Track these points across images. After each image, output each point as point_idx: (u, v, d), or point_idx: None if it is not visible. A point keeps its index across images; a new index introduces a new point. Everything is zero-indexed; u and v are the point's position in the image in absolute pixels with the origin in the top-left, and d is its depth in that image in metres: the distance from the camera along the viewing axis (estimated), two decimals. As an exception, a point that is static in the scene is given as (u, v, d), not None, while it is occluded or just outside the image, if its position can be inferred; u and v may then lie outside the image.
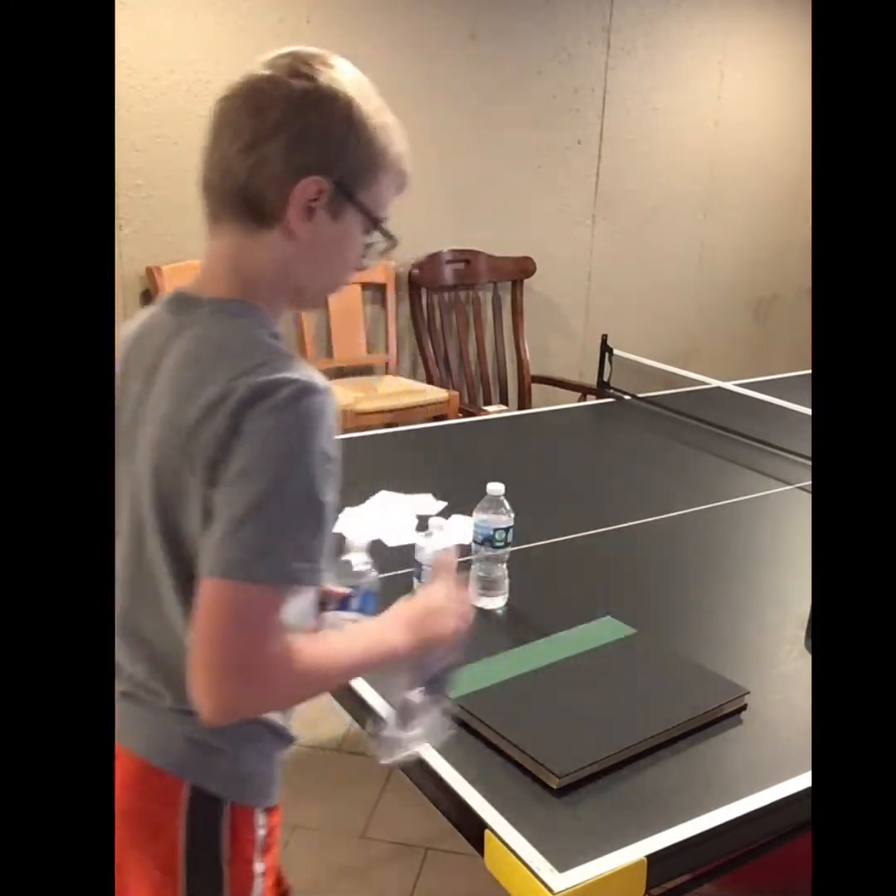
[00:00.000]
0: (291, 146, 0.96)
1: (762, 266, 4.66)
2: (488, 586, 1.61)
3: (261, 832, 1.07)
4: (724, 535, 2.05)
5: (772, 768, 1.24)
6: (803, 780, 1.21)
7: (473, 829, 1.13)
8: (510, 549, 1.64)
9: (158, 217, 3.16)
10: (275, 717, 1.07)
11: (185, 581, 0.97)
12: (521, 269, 3.97)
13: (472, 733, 1.28)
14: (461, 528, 1.78)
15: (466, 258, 3.86)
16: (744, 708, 1.36)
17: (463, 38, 3.63)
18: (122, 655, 1.06)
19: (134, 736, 1.04)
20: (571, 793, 1.18)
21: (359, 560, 1.31)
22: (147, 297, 3.18)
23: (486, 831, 1.11)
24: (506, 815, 1.13)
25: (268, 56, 1.00)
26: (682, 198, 4.34)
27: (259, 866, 1.07)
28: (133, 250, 3.14)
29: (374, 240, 1.05)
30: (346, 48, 3.50)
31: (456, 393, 3.58)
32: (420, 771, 1.23)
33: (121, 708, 1.05)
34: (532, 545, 1.86)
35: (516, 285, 3.99)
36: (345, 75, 1.00)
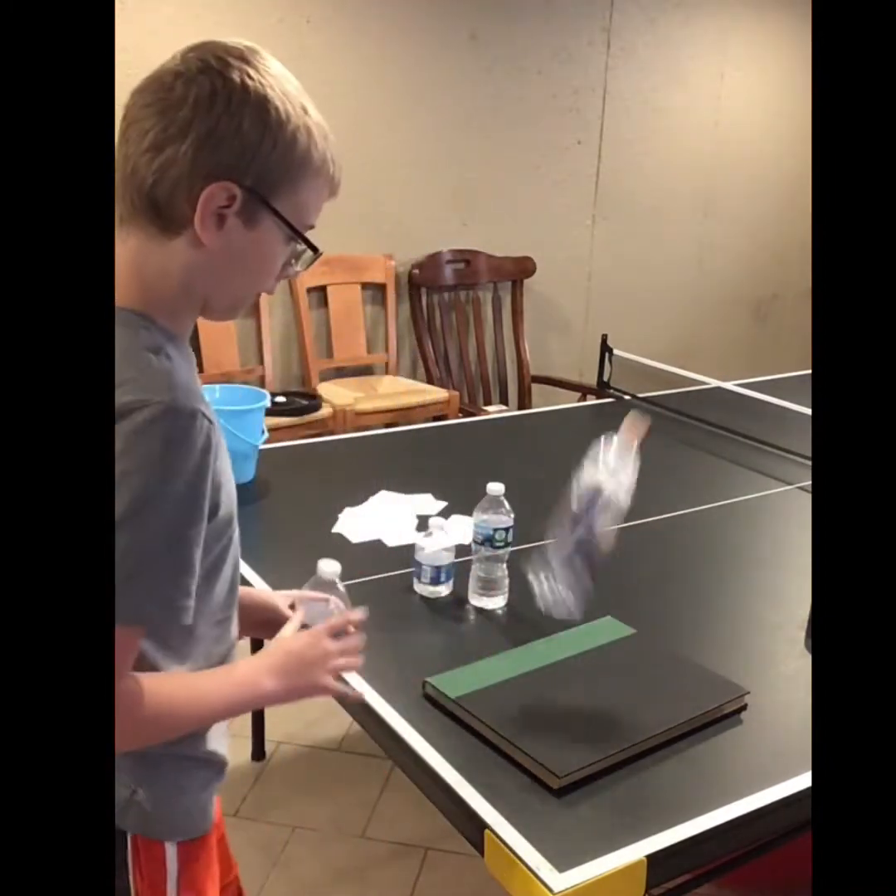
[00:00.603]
0: (200, 148, 0.88)
1: (762, 266, 4.66)
2: (488, 586, 1.61)
3: (172, 866, 1.02)
4: (724, 535, 2.04)
5: (772, 768, 1.24)
6: (803, 780, 1.21)
7: (473, 829, 1.13)
8: (510, 549, 1.64)
9: (158, 217, 3.16)
10: (195, 746, 1.03)
11: None
12: (521, 269, 3.97)
13: (472, 733, 1.28)
14: (461, 528, 1.78)
15: (466, 258, 3.86)
16: (744, 708, 1.36)
17: (463, 39, 3.63)
18: None
19: None
20: (571, 793, 1.18)
21: (329, 569, 1.30)
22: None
23: (486, 831, 1.11)
24: (506, 815, 1.13)
25: (182, 49, 0.92)
26: (682, 198, 4.34)
27: None
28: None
29: (296, 250, 0.99)
30: (347, 48, 3.53)
31: (456, 393, 3.58)
32: (420, 771, 1.23)
33: None
34: (532, 545, 1.86)
35: (516, 285, 3.99)
36: (263, 72, 0.91)
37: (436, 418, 3.39)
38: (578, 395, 3.78)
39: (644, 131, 4.13)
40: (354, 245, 3.52)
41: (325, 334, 3.65)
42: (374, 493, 2.06)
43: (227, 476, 0.99)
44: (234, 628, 1.09)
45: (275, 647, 1.09)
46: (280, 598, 1.24)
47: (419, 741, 1.26)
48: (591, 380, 3.25)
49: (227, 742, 1.10)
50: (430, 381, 3.75)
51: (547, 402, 3.83)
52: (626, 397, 3.02)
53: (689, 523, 2.07)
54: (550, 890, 1.02)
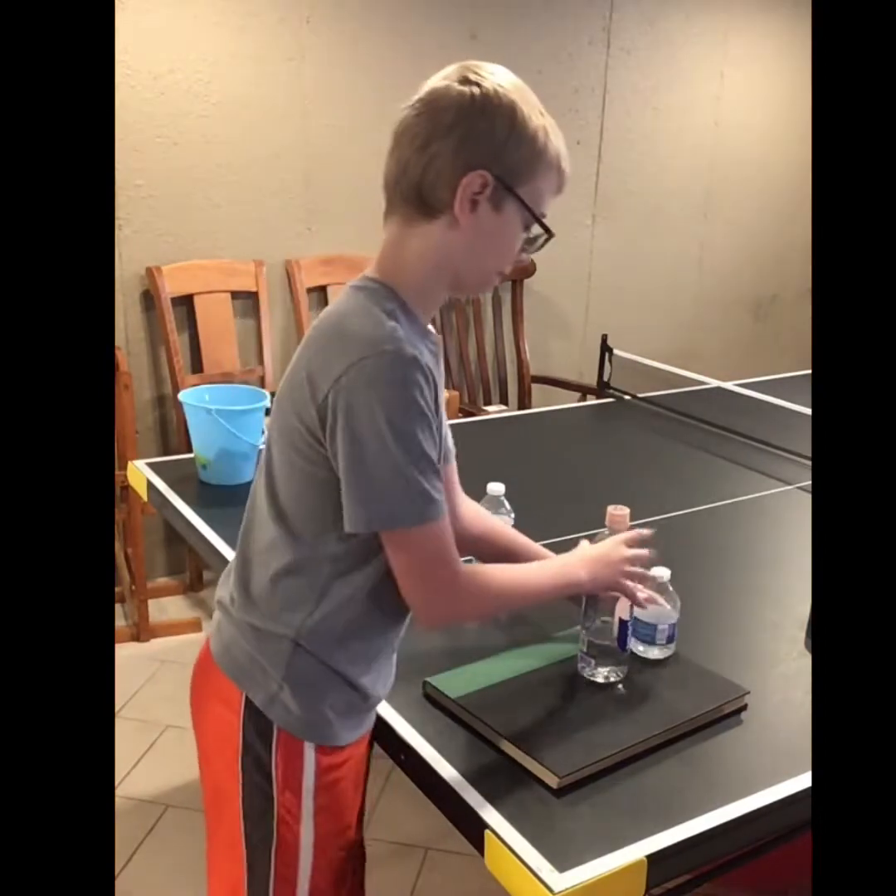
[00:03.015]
0: (460, 145, 1.08)
1: (762, 266, 4.65)
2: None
3: (309, 767, 1.16)
4: (724, 535, 2.04)
5: (772, 768, 1.24)
6: (803, 780, 1.21)
7: (473, 829, 1.13)
8: (510, 549, 1.63)
9: (158, 217, 3.16)
10: (348, 664, 1.18)
11: (276, 514, 1.15)
12: (521, 269, 3.96)
13: (473, 733, 1.28)
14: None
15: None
16: (744, 708, 1.36)
17: (463, 38, 3.63)
18: (231, 569, 1.23)
19: (216, 642, 1.22)
20: (571, 793, 1.18)
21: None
22: (147, 297, 3.19)
23: (486, 831, 1.11)
24: (506, 815, 1.13)
25: (445, 70, 1.13)
26: (682, 198, 4.34)
27: (309, 802, 1.17)
28: (133, 250, 3.14)
29: (532, 234, 1.16)
30: (346, 48, 3.54)
31: (456, 393, 3.58)
32: (420, 771, 1.23)
33: (216, 615, 1.24)
34: (532, 545, 1.86)
35: (516, 285, 3.99)
36: (507, 81, 1.11)
37: (436, 418, 3.39)
38: (578, 395, 3.78)
39: (644, 131, 4.13)
40: (354, 245, 3.52)
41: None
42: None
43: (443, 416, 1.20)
44: None
45: (580, 549, 1.34)
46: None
47: (419, 741, 1.26)
48: (591, 380, 3.25)
49: (386, 686, 1.26)
50: (430, 381, 3.75)
51: (547, 402, 3.83)
52: (626, 397, 3.02)
53: (689, 523, 2.07)
54: (550, 890, 1.02)
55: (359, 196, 3.38)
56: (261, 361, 3.52)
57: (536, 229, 1.17)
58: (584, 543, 1.35)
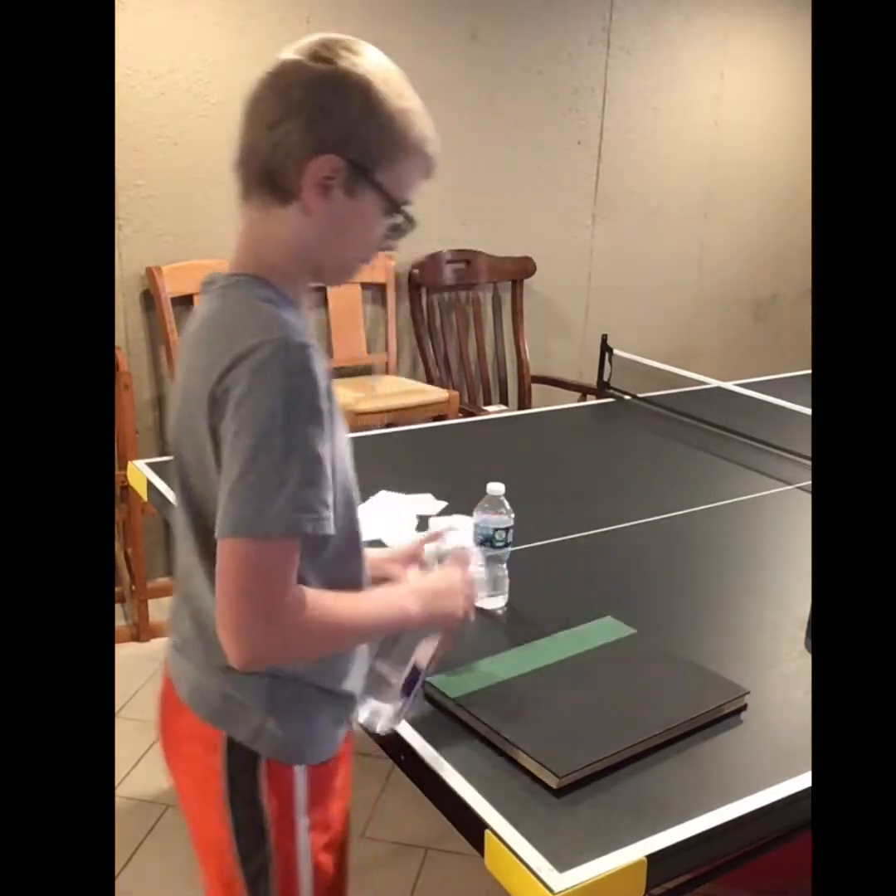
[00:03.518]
0: (310, 125, 1.01)
1: (762, 266, 4.65)
2: (488, 586, 1.61)
3: (300, 790, 1.12)
4: (724, 535, 2.04)
5: (772, 768, 1.24)
6: (803, 780, 1.21)
7: (473, 829, 1.13)
8: (510, 549, 1.63)
9: (158, 217, 3.16)
10: (328, 677, 1.12)
11: (203, 542, 1.05)
12: (521, 269, 3.96)
13: (472, 733, 1.28)
14: (461, 528, 1.77)
15: (466, 258, 3.86)
16: (744, 708, 1.36)
17: (463, 38, 3.63)
18: (178, 611, 1.15)
19: (181, 685, 1.14)
20: (571, 793, 1.18)
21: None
22: (147, 297, 3.18)
23: (486, 831, 1.11)
24: (506, 815, 1.13)
25: (297, 43, 1.06)
26: (682, 198, 4.34)
27: (303, 820, 1.13)
28: (133, 250, 3.14)
29: (395, 222, 1.08)
30: (346, 48, 3.38)
31: (456, 393, 3.57)
32: (420, 771, 1.23)
33: (174, 658, 1.17)
34: (532, 545, 1.86)
35: (516, 285, 3.99)
36: (366, 60, 1.04)
37: (436, 418, 3.39)
38: (578, 395, 3.78)
39: (644, 131, 4.13)
40: (354, 245, 3.52)
41: (324, 334, 3.64)
42: (374, 493, 2.06)
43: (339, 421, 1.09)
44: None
45: (413, 578, 1.23)
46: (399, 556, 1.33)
47: (419, 741, 1.26)
48: (591, 380, 3.24)
49: (360, 681, 1.18)
50: (429, 381, 3.75)
51: (547, 402, 3.82)
52: (626, 397, 3.02)
53: (689, 523, 2.07)
54: (550, 890, 1.02)
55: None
56: (261, 361, 3.51)
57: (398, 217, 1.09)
58: (415, 572, 1.25)
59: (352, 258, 1.11)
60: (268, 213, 1.05)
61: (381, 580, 1.25)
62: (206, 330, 1.05)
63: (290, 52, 1.05)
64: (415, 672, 1.19)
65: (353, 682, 1.17)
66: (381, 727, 1.20)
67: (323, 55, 1.03)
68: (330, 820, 1.17)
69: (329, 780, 1.16)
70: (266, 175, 1.03)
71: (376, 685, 1.20)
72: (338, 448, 1.06)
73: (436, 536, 1.33)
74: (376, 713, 1.20)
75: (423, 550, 1.32)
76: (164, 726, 1.21)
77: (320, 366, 1.00)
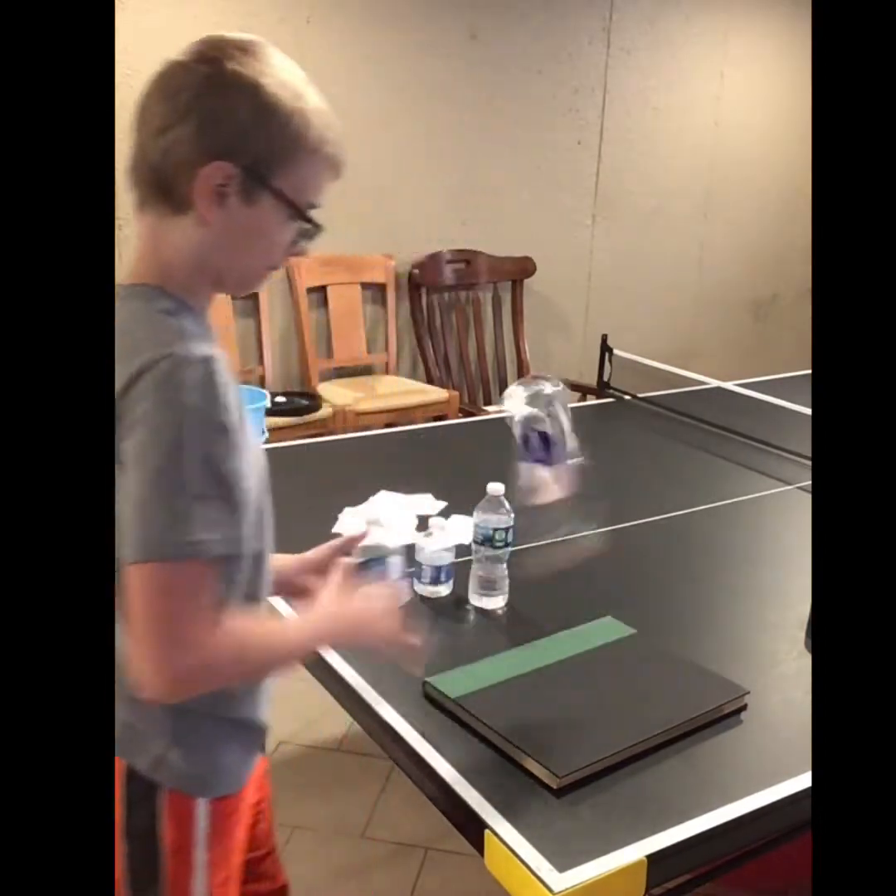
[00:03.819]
0: (199, 131, 0.95)
1: (762, 266, 4.66)
2: (488, 586, 1.61)
3: (201, 823, 1.06)
4: (724, 535, 2.04)
5: (772, 768, 1.24)
6: (803, 780, 1.21)
7: (473, 829, 1.13)
8: (510, 549, 1.63)
9: (158, 217, 3.16)
10: (233, 704, 1.07)
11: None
12: (521, 269, 3.97)
13: (472, 733, 1.28)
14: (461, 528, 1.78)
15: (466, 258, 3.86)
16: (744, 708, 1.36)
17: (463, 38, 3.63)
18: None
19: None
20: (571, 793, 1.18)
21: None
22: (147, 297, 3.18)
23: (486, 831, 1.11)
24: (506, 815, 1.13)
25: (187, 44, 1.02)
26: (682, 198, 4.34)
27: (201, 856, 1.07)
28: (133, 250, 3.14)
29: (301, 227, 1.03)
30: (347, 48, 3.53)
31: (456, 393, 3.58)
32: (420, 771, 1.23)
33: None
34: (532, 545, 1.86)
35: (516, 285, 3.99)
36: (260, 61, 0.98)
37: (436, 418, 3.39)
38: (578, 395, 3.78)
39: (644, 131, 4.13)
40: (354, 245, 3.52)
41: (325, 334, 3.65)
42: (374, 493, 2.06)
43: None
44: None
45: (330, 599, 1.12)
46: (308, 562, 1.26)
47: (419, 741, 1.26)
48: (591, 380, 3.25)
49: (268, 709, 1.13)
50: (429, 381, 3.75)
51: (547, 402, 3.82)
52: (626, 397, 3.02)
53: (689, 523, 2.07)
54: (550, 890, 1.02)
55: (358, 196, 3.37)
56: (261, 361, 3.52)
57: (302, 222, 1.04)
58: (332, 591, 1.14)
59: (256, 266, 1.05)
60: (163, 220, 1.00)
61: (293, 590, 1.22)
62: None
63: (179, 54, 1.00)
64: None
65: (260, 707, 1.12)
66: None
67: (211, 56, 0.98)
68: (229, 854, 1.12)
69: (231, 814, 1.11)
70: (158, 183, 0.98)
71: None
72: (247, 460, 0.99)
73: (350, 543, 1.27)
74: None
75: (334, 559, 1.24)
76: None
77: (224, 377, 0.94)
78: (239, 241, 1.01)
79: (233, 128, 0.96)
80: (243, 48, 0.99)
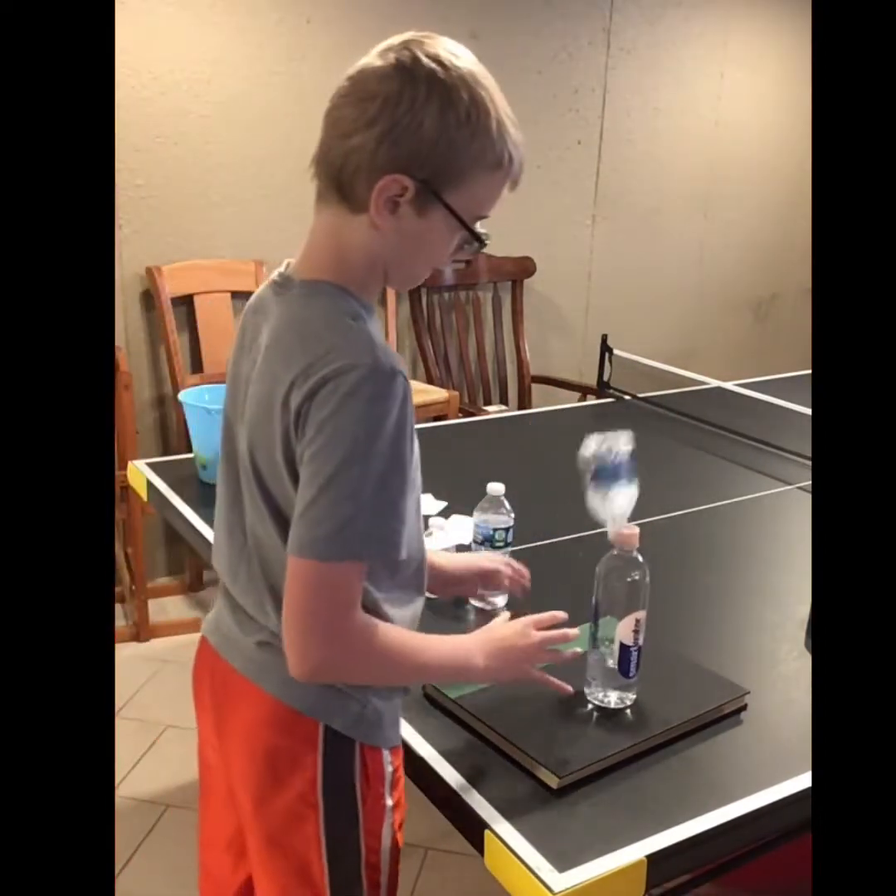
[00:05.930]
0: (381, 141, 0.98)
1: (762, 266, 4.65)
2: (488, 586, 1.61)
3: (389, 769, 1.14)
4: (723, 535, 2.04)
5: (772, 768, 1.24)
6: (803, 780, 1.21)
7: (473, 829, 1.13)
8: (510, 549, 1.63)
9: (158, 217, 3.16)
10: None
11: (276, 519, 1.06)
12: (521, 269, 3.96)
13: (472, 733, 1.28)
14: (461, 528, 1.78)
15: (466, 258, 3.86)
16: (744, 708, 1.36)
17: (463, 38, 3.61)
18: (268, 607, 1.11)
19: (272, 681, 1.11)
20: (571, 793, 1.18)
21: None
22: (147, 297, 3.18)
23: (486, 831, 1.11)
24: (506, 815, 1.13)
25: (387, 43, 1.04)
26: (682, 198, 4.33)
27: (389, 801, 1.15)
28: (133, 250, 3.14)
29: (467, 236, 1.07)
30: (346, 48, 3.53)
31: (456, 393, 3.57)
32: (420, 771, 1.23)
33: (261, 655, 1.13)
34: (532, 545, 1.86)
35: (516, 285, 3.99)
36: (452, 74, 1.00)
37: (436, 418, 3.39)
38: (578, 395, 3.78)
39: (644, 131, 4.13)
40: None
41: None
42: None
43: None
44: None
45: (487, 630, 1.20)
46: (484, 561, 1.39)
47: (419, 741, 1.26)
48: (591, 380, 3.24)
49: None
50: (430, 381, 3.75)
51: (547, 402, 3.83)
52: (626, 397, 3.02)
53: (689, 523, 2.07)
54: (550, 890, 1.02)
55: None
56: (261, 361, 3.51)
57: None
58: (496, 621, 1.22)
59: (420, 267, 1.10)
60: (343, 219, 1.03)
61: (450, 584, 1.35)
62: (286, 336, 1.03)
63: (374, 56, 1.02)
64: (624, 651, 1.27)
65: None
66: (620, 704, 1.30)
67: (405, 66, 0.99)
68: (402, 797, 1.19)
69: (400, 763, 1.19)
70: (338, 183, 1.02)
71: (604, 677, 1.29)
72: (416, 475, 1.06)
73: (495, 582, 1.40)
74: (606, 698, 1.30)
75: (499, 569, 1.38)
76: (223, 714, 1.18)
77: (408, 393, 0.99)
78: (406, 245, 1.04)
79: (416, 143, 0.98)
80: (438, 59, 1.00)
